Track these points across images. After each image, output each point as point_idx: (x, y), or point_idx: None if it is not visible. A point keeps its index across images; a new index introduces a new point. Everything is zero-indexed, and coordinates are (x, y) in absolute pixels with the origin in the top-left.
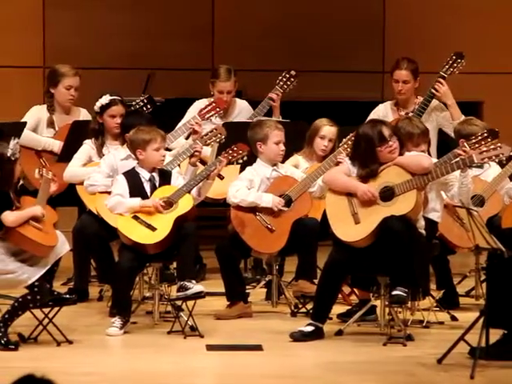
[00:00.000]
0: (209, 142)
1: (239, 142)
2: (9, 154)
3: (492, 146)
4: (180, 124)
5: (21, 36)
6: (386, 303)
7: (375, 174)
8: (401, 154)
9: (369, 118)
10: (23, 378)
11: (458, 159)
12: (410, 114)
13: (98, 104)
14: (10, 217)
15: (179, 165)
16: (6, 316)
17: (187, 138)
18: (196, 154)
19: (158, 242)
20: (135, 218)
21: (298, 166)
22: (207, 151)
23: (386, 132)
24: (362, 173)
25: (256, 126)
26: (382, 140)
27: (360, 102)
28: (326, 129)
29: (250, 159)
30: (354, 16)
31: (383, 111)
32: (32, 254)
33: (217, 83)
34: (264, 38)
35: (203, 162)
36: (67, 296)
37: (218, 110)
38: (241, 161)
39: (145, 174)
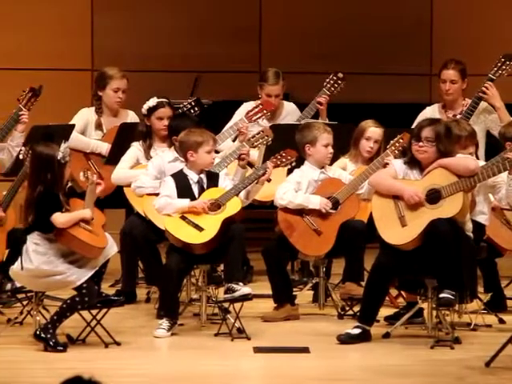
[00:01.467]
0: (256, 144)
1: (288, 147)
2: (59, 157)
3: None
4: (227, 126)
5: (69, 39)
6: (434, 306)
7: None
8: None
9: (416, 120)
10: (71, 379)
11: (505, 161)
12: (458, 117)
13: (146, 106)
14: (61, 218)
15: (227, 167)
16: (55, 317)
17: (234, 140)
18: (243, 156)
19: (204, 243)
20: (183, 218)
21: (345, 169)
22: (255, 153)
23: (424, 133)
24: (406, 159)
25: (305, 128)
26: (417, 137)
27: (407, 104)
28: (372, 130)
29: (298, 162)
30: (401, 18)
31: (431, 113)
32: (81, 255)
33: (265, 86)
34: (311, 40)
35: (250, 165)
36: (115, 298)
37: (265, 112)
38: (289, 166)
39: (193, 176)
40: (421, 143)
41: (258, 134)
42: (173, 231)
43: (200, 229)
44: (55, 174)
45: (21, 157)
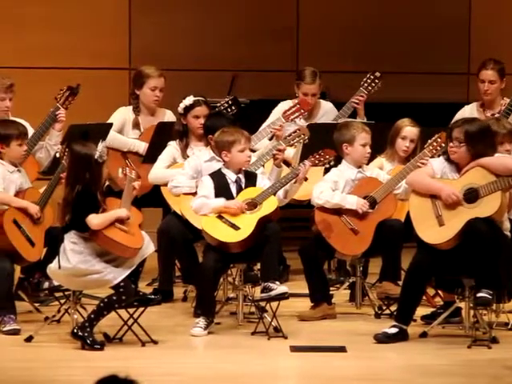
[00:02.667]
0: (292, 142)
1: (325, 147)
2: (96, 156)
3: None
4: (264, 125)
5: (107, 38)
6: (471, 305)
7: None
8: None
9: (454, 119)
10: (107, 377)
11: None
12: (497, 115)
13: (182, 105)
14: (96, 220)
15: (263, 165)
16: (92, 316)
17: (271, 139)
18: (279, 155)
19: (240, 241)
20: (219, 217)
21: (381, 168)
22: (291, 152)
23: (454, 133)
24: (445, 157)
25: (343, 127)
26: (449, 137)
27: (445, 103)
28: (408, 129)
29: (336, 161)
30: (439, 17)
31: (469, 112)
32: (118, 255)
33: (302, 85)
34: (348, 39)
35: (287, 163)
36: (152, 296)
37: (302, 111)
38: (327, 165)
39: (231, 176)
40: (451, 143)
41: (294, 132)
42: (209, 230)
43: (236, 228)
44: (93, 173)
45: (58, 155)
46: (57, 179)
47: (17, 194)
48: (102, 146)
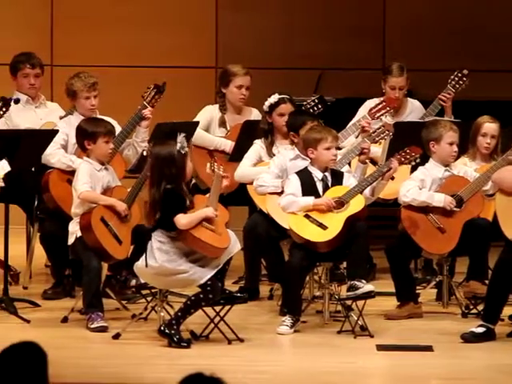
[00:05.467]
0: (377, 139)
1: (411, 144)
2: (178, 148)
3: None
4: (350, 123)
5: (194, 37)
6: None
7: None
8: None
9: None
10: (192, 375)
11: None
12: None
13: (267, 103)
14: (183, 220)
15: (349, 163)
16: (179, 313)
17: (357, 137)
18: (364, 151)
19: (328, 241)
20: (307, 216)
21: None
22: (377, 151)
23: None
24: None
25: (431, 125)
26: None
27: None
28: (487, 126)
29: (422, 159)
30: None
31: None
32: (204, 254)
33: (389, 79)
34: (435, 37)
35: (373, 162)
36: (238, 294)
37: (388, 108)
38: (413, 163)
39: (317, 174)
40: None
41: (378, 128)
42: (297, 230)
43: (324, 227)
44: (177, 167)
45: (145, 153)
46: (144, 177)
47: (104, 192)
48: (181, 138)
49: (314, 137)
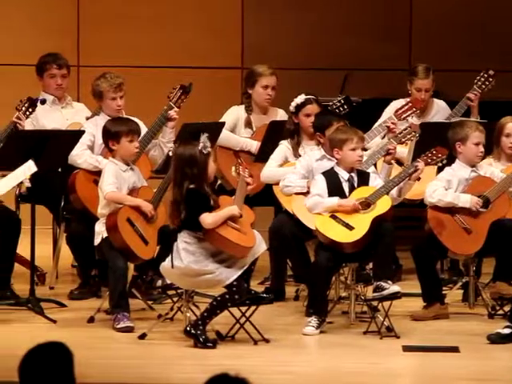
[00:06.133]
0: (403, 140)
1: (437, 144)
2: (200, 148)
3: None
4: (376, 124)
5: (220, 37)
6: None
7: None
8: None
9: None
10: (218, 376)
11: None
12: None
13: (294, 104)
14: (209, 219)
15: (375, 164)
16: (205, 314)
17: (383, 138)
18: (390, 152)
19: (354, 241)
20: (333, 217)
21: None
22: (403, 151)
23: None
24: None
25: (457, 126)
26: None
27: None
28: (510, 126)
29: (449, 159)
30: None
31: None
32: (229, 255)
33: (415, 81)
34: (461, 37)
35: (399, 162)
36: (264, 295)
37: (414, 109)
38: (439, 164)
39: (343, 174)
40: None
41: (405, 129)
42: (323, 230)
43: (350, 228)
44: (199, 168)
45: (170, 154)
46: (170, 178)
47: (130, 193)
48: (204, 138)
49: (339, 137)
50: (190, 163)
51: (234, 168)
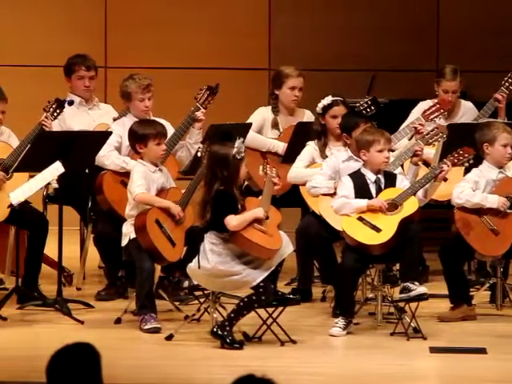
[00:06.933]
0: (430, 141)
1: (465, 146)
2: (234, 153)
3: None
4: (404, 125)
5: (247, 38)
6: None
7: None
8: None
9: None
10: (244, 377)
11: None
12: None
13: (320, 105)
14: (234, 221)
15: (402, 165)
16: (232, 315)
17: (410, 139)
18: (417, 153)
19: (382, 243)
20: (360, 219)
21: None
22: (430, 152)
23: None
24: None
25: (484, 127)
26: None
27: None
28: None
29: (476, 160)
30: None
31: None
32: (256, 256)
33: (442, 82)
34: (489, 38)
35: (426, 163)
36: (291, 296)
37: (441, 111)
38: (466, 164)
39: (370, 176)
40: None
41: (432, 130)
42: (350, 232)
43: (377, 230)
44: (230, 171)
45: (199, 154)
46: (199, 179)
47: (159, 194)
48: (239, 143)
49: (366, 139)
50: (222, 164)
51: (261, 167)
